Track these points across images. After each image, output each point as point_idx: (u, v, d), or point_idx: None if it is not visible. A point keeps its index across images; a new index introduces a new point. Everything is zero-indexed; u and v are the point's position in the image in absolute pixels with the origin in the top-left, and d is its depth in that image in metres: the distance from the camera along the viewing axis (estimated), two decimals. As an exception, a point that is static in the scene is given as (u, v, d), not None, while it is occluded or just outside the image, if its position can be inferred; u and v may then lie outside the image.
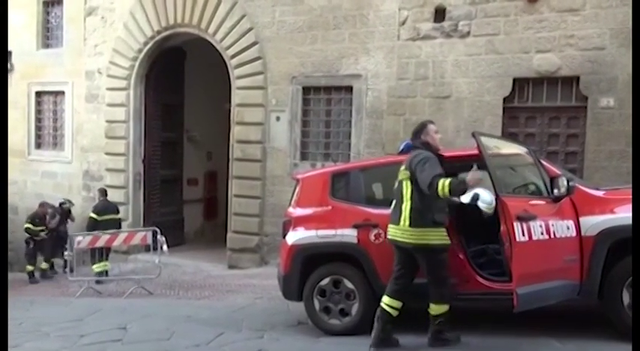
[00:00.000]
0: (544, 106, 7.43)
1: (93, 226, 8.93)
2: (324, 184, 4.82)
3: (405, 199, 3.98)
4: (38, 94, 11.53)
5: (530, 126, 7.52)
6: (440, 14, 7.78)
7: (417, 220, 3.90)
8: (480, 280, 4.21)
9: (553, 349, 3.99)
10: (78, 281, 8.50)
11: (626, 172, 6.33)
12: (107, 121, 10.42)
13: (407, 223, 3.92)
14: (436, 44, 7.81)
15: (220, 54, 9.37)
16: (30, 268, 9.65)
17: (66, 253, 8.81)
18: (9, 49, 11.54)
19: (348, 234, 4.50)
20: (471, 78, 7.65)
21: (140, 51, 10.04)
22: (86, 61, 10.69)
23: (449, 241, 3.98)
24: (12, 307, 6.73)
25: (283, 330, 4.97)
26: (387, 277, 4.29)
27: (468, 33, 7.62)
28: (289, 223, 4.87)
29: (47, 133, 11.59)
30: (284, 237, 4.91)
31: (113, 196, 9.87)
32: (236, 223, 9.22)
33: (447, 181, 3.70)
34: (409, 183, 3.98)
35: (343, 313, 4.56)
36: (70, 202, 10.15)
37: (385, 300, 4.05)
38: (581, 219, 4.03)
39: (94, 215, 9.03)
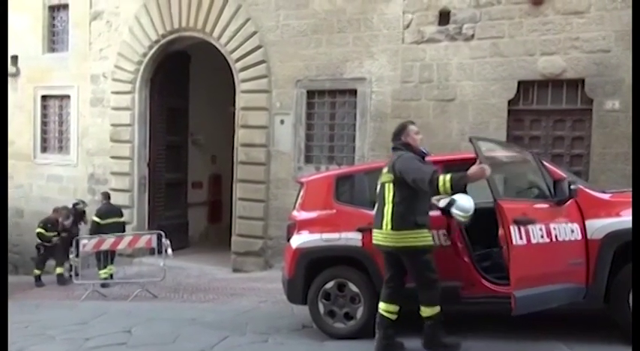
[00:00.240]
0: (549, 108, 7.41)
1: (95, 229, 8.91)
2: (329, 187, 4.82)
3: (386, 201, 3.94)
4: (44, 98, 11.58)
5: (535, 129, 7.50)
6: (444, 17, 7.78)
7: (399, 222, 3.86)
8: (486, 283, 4.19)
9: (560, 352, 3.98)
10: (83, 284, 8.53)
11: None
12: (112, 125, 10.47)
13: (389, 226, 3.89)
14: (440, 47, 7.81)
15: (225, 58, 9.40)
16: (37, 272, 9.60)
17: (71, 256, 8.81)
18: (15, 53, 11.65)
19: (352, 237, 4.49)
20: (476, 81, 7.64)
21: (145, 55, 10.09)
22: (91, 65, 10.75)
23: (432, 242, 3.97)
24: (18, 311, 6.79)
25: (288, 334, 4.96)
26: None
27: (473, 36, 7.62)
28: (293, 227, 4.87)
29: (53, 137, 11.64)
30: (288, 240, 4.90)
31: (118, 199, 9.90)
32: (240, 226, 9.23)
33: (448, 176, 3.66)
34: (391, 186, 3.94)
35: (348, 316, 4.55)
36: (83, 202, 10.03)
37: (381, 306, 4.04)
38: (587, 222, 4.01)
39: (96, 219, 9.03)
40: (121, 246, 8.46)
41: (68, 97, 11.23)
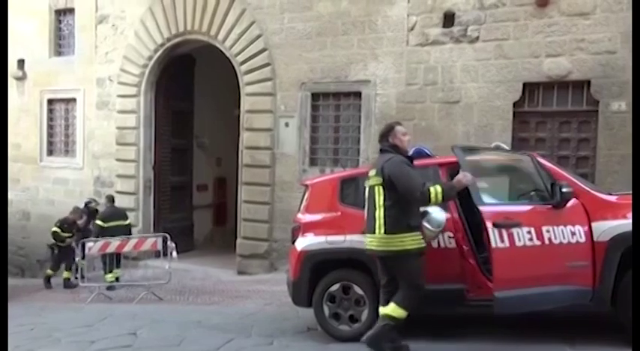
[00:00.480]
0: (555, 110, 7.38)
1: (99, 232, 8.87)
2: (333, 189, 4.82)
3: (377, 205, 3.87)
4: (50, 101, 11.65)
5: (541, 130, 7.47)
6: (449, 19, 7.77)
7: (393, 226, 3.81)
8: (492, 285, 4.17)
9: (566, 355, 3.96)
10: (89, 287, 8.56)
11: (639, 177, 6.25)
12: (118, 128, 10.51)
13: (382, 230, 3.84)
14: (445, 49, 7.80)
15: (230, 60, 9.43)
16: (50, 272, 9.42)
17: (77, 258, 8.84)
18: (22, 57, 11.74)
19: (357, 240, 4.47)
20: (481, 83, 7.62)
21: (150, 58, 10.14)
22: (97, 69, 10.81)
23: (425, 245, 3.95)
24: (24, 313, 6.82)
25: (293, 336, 4.95)
26: (397, 283, 4.27)
27: (477, 38, 7.61)
28: (298, 229, 4.86)
29: (59, 140, 11.70)
30: (293, 243, 4.90)
31: (124, 202, 9.93)
32: (245, 228, 9.24)
33: (439, 188, 3.72)
34: (381, 189, 3.87)
35: (353, 319, 4.54)
36: (95, 201, 9.97)
37: (384, 311, 3.95)
38: (594, 224, 3.99)
39: (99, 222, 8.97)
40: (127, 249, 8.48)
41: (74, 100, 11.29)
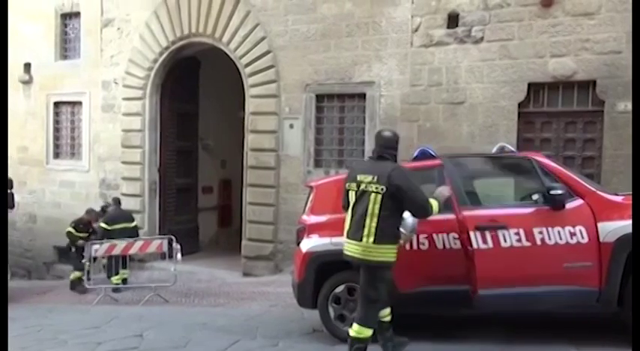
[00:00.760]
0: (560, 110, 7.36)
1: (103, 235, 8.87)
2: (338, 191, 4.79)
3: (370, 213, 3.73)
4: (56, 104, 11.71)
5: (546, 131, 7.45)
6: (453, 20, 7.77)
7: (382, 236, 3.73)
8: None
9: (572, 356, 3.94)
10: (95, 289, 8.60)
11: (646, 177, 6.21)
12: (123, 131, 10.56)
13: (371, 239, 3.72)
14: (449, 50, 7.80)
15: (234, 63, 9.46)
16: (78, 274, 9.12)
17: (84, 260, 8.87)
18: (28, 61, 11.82)
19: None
20: (486, 83, 7.61)
21: (155, 61, 10.18)
22: (103, 72, 10.86)
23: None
24: (30, 315, 6.86)
25: (298, 338, 4.96)
26: (402, 284, 4.28)
27: (482, 38, 7.60)
28: (303, 231, 4.87)
29: (65, 143, 11.76)
30: (298, 244, 4.91)
31: (129, 204, 9.97)
32: (250, 230, 9.25)
33: (435, 202, 3.83)
34: (379, 197, 3.72)
35: (358, 320, 4.53)
36: (111, 205, 9.80)
37: (351, 334, 3.88)
38: (599, 225, 3.98)
39: (103, 224, 8.97)
40: (132, 251, 8.50)
41: (80, 103, 11.35)
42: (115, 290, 8.66)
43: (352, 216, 3.89)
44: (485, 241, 3.96)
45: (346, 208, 4.00)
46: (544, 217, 4.02)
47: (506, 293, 3.96)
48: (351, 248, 3.87)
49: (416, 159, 4.87)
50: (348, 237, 3.90)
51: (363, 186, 3.84)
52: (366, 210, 3.76)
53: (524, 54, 7.37)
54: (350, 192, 3.94)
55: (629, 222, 3.88)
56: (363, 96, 8.45)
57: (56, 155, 11.76)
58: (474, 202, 4.33)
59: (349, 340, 3.83)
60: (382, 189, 3.74)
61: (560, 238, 3.96)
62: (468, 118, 7.72)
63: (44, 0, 11.55)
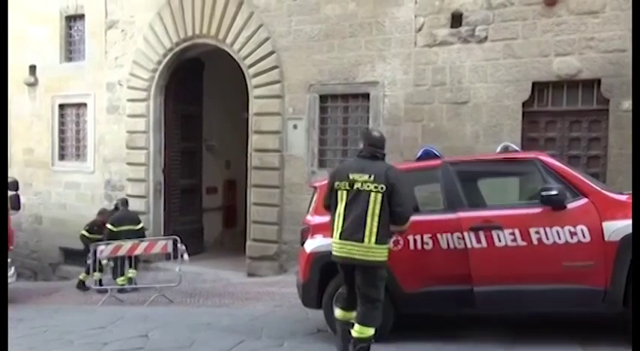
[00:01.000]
0: (564, 109, 7.34)
1: (109, 236, 8.89)
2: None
3: (371, 212, 3.69)
4: (61, 106, 11.77)
5: (551, 130, 7.43)
6: (456, 20, 7.76)
7: (382, 236, 3.72)
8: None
9: (577, 356, 3.93)
10: (100, 289, 8.64)
11: (651, 176, 6.18)
12: (128, 132, 10.60)
13: (373, 239, 3.68)
14: (453, 50, 7.79)
15: (238, 64, 9.48)
16: (98, 275, 8.99)
17: (88, 261, 8.90)
18: (33, 63, 11.88)
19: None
20: (490, 83, 7.59)
21: (159, 62, 10.22)
22: (107, 74, 10.91)
23: None
24: (37, 315, 6.90)
25: (303, 338, 4.96)
26: (406, 284, 4.29)
27: (486, 38, 7.58)
28: (307, 231, 4.86)
29: (70, 145, 11.82)
30: (302, 245, 4.90)
31: (134, 205, 9.99)
32: (255, 231, 9.26)
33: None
34: (379, 196, 3.69)
35: (363, 320, 4.53)
36: (125, 201, 9.66)
37: (346, 315, 3.97)
38: (604, 224, 3.97)
39: (109, 226, 8.99)
40: (138, 252, 8.53)
41: (85, 105, 11.40)
42: (121, 291, 8.69)
43: (344, 216, 3.80)
44: (479, 241, 4.12)
45: (331, 208, 3.95)
46: (541, 218, 4.08)
47: (504, 290, 4.07)
48: (348, 249, 3.78)
49: (420, 159, 4.86)
50: (342, 238, 3.80)
51: (358, 185, 3.77)
52: (366, 210, 3.71)
53: (528, 53, 7.35)
54: (339, 191, 3.85)
55: (634, 221, 3.89)
56: (366, 96, 8.45)
57: (61, 157, 11.82)
58: (473, 203, 4.42)
59: (352, 341, 3.83)
60: (382, 188, 3.72)
61: (559, 238, 4.01)
62: (472, 118, 7.70)
63: (49, 2, 11.61)
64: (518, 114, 7.46)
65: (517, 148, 5.14)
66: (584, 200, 4.10)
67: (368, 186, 3.75)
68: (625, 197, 4.18)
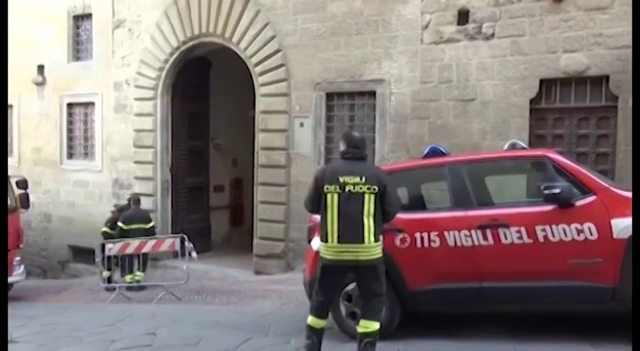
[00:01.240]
0: (573, 106, 7.28)
1: (120, 234, 8.94)
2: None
3: (367, 213, 3.74)
4: (69, 105, 11.84)
5: (559, 127, 7.38)
6: (463, 17, 7.72)
7: (378, 234, 3.80)
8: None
9: (586, 355, 3.91)
10: (110, 287, 8.70)
11: (661, 173, 6.13)
12: (135, 131, 10.65)
13: (372, 238, 3.74)
14: (460, 47, 7.75)
15: (244, 62, 9.49)
16: (107, 273, 9.07)
17: (97, 260, 8.95)
18: (41, 63, 11.96)
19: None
20: (497, 80, 7.56)
21: (166, 61, 10.25)
22: (114, 73, 10.96)
23: None
24: (46, 313, 6.96)
25: (310, 335, 4.96)
26: (413, 282, 4.30)
27: (493, 35, 7.54)
28: (314, 229, 4.87)
29: (78, 144, 11.89)
30: (309, 242, 4.92)
31: (142, 203, 10.01)
32: (262, 229, 9.29)
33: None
34: (373, 197, 3.75)
35: (369, 318, 4.53)
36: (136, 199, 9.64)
37: (320, 323, 3.95)
38: (613, 221, 3.95)
39: (120, 224, 9.06)
40: (145, 249, 8.57)
41: (93, 104, 11.47)
42: (129, 288, 8.73)
43: (339, 219, 3.79)
44: (485, 239, 4.17)
45: (320, 211, 3.92)
46: (547, 216, 4.08)
47: (510, 287, 4.10)
48: (351, 252, 3.77)
49: (426, 156, 4.86)
50: (341, 242, 3.78)
51: (349, 187, 3.78)
52: (362, 211, 3.75)
53: (535, 50, 7.30)
54: (329, 195, 3.83)
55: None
56: (373, 94, 8.44)
57: (70, 155, 11.90)
58: (481, 201, 4.42)
59: (358, 337, 3.84)
60: (375, 189, 3.78)
61: (566, 235, 4.02)
62: (479, 115, 7.67)
63: (57, 2, 11.69)
64: (526, 111, 7.42)
65: (525, 146, 5.12)
66: (592, 197, 4.09)
67: (361, 188, 3.78)
68: (634, 194, 4.16)
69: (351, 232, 3.77)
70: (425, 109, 8.00)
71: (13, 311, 7.07)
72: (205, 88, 11.21)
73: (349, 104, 8.76)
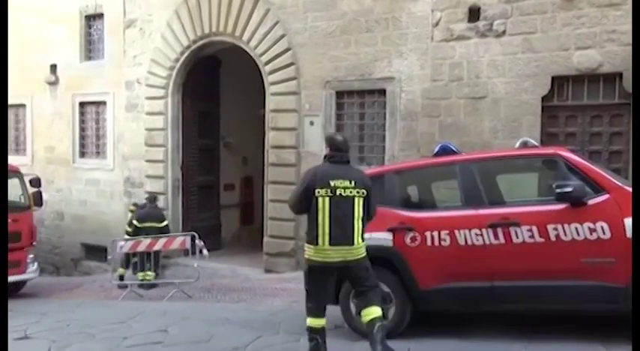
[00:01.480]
0: (585, 104, 7.20)
1: (134, 232, 9.02)
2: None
3: (357, 216, 3.88)
4: (82, 104, 11.95)
5: (571, 125, 7.30)
6: (474, 14, 7.67)
7: (363, 234, 3.97)
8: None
9: (599, 354, 3.88)
10: (122, 285, 8.78)
11: (675, 171, 6.04)
12: (146, 130, 10.72)
13: (360, 239, 3.91)
14: (471, 44, 7.70)
15: (254, 61, 9.51)
16: (122, 271, 9.27)
17: (109, 258, 9.03)
18: (54, 62, 12.08)
19: (383, 237, 4.49)
20: (508, 78, 7.50)
21: (177, 60, 10.30)
22: (126, 72, 11.04)
23: None
24: (59, 310, 7.05)
25: (320, 333, 4.96)
26: (424, 281, 4.29)
27: (504, 32, 7.48)
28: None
29: (90, 142, 12.00)
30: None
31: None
32: (272, 227, 9.31)
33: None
34: (362, 200, 3.90)
35: (380, 316, 4.54)
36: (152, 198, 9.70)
37: (320, 322, 3.98)
38: (626, 220, 3.90)
39: (134, 221, 9.18)
40: (156, 248, 8.63)
41: (104, 103, 11.56)
42: (141, 286, 8.80)
43: (330, 222, 3.84)
44: (497, 238, 4.15)
45: (304, 213, 4.01)
46: (560, 215, 4.05)
47: (522, 285, 4.09)
48: (342, 254, 3.86)
49: (437, 155, 4.84)
50: (332, 244, 3.84)
51: (340, 191, 3.86)
52: (353, 214, 3.86)
53: (547, 47, 7.23)
54: (320, 198, 3.86)
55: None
56: (383, 92, 8.41)
57: (82, 154, 12.01)
58: (492, 200, 4.40)
59: (367, 328, 3.90)
60: (363, 192, 3.91)
61: (578, 234, 3.99)
62: (490, 113, 7.62)
63: (69, 2, 11.79)
64: (538, 109, 7.35)
65: (536, 144, 5.08)
66: (605, 196, 4.04)
67: (351, 192, 3.87)
68: (648, 193, 4.11)
69: (342, 234, 3.85)
70: (435, 107, 7.96)
71: (27, 308, 7.18)
72: (216, 87, 11.25)
73: (359, 102, 8.74)
